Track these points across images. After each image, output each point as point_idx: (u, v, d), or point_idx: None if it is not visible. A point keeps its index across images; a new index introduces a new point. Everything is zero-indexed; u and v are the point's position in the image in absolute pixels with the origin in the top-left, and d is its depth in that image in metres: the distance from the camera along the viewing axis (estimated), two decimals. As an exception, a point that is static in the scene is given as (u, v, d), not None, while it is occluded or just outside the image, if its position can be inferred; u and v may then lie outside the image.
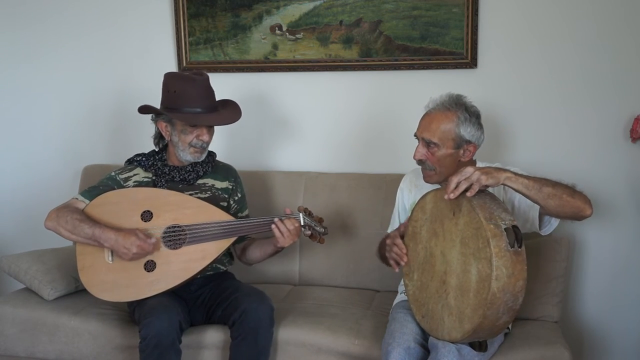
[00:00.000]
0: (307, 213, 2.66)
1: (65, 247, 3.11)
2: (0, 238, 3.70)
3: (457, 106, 2.43)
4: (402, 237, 2.40)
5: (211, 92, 2.73)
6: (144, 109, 2.76)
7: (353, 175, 3.21)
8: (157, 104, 2.74)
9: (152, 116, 2.77)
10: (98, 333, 2.72)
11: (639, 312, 3.08)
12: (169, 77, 2.73)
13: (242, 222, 2.66)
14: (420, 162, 2.48)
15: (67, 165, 3.59)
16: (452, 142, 2.41)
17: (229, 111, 2.79)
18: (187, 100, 2.65)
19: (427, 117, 2.46)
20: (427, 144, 2.43)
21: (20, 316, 2.79)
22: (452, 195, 2.09)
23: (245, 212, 2.91)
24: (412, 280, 2.36)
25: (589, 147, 3.04)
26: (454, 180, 2.10)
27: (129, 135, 3.45)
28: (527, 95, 3.07)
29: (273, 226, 2.59)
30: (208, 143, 2.74)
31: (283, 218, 2.61)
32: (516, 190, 2.14)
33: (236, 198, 2.87)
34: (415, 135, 2.49)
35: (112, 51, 3.50)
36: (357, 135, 3.29)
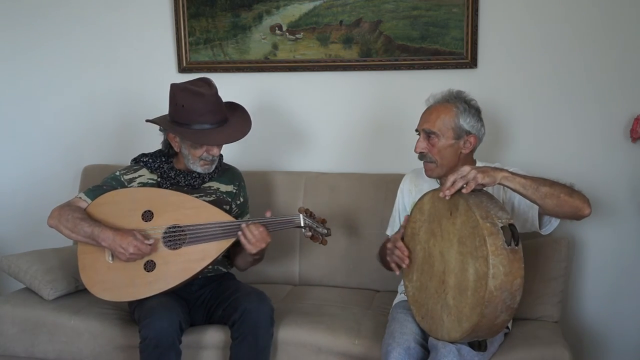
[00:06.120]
0: (308, 214, 2.64)
1: (65, 247, 3.12)
2: (0, 238, 3.71)
3: (457, 99, 2.47)
4: (402, 239, 2.41)
5: (220, 106, 2.69)
6: (152, 122, 2.74)
7: (353, 175, 3.21)
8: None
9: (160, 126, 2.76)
10: (98, 333, 2.72)
11: (639, 312, 3.07)
12: (176, 90, 2.66)
13: (241, 222, 2.64)
14: (421, 155, 2.49)
15: (67, 165, 3.60)
16: (451, 132, 2.43)
17: (239, 123, 2.75)
18: (196, 116, 2.62)
19: (427, 110, 2.50)
20: (428, 135, 2.44)
21: (20, 316, 2.80)
22: (447, 193, 2.09)
23: (246, 217, 2.89)
24: (411, 281, 2.36)
25: (589, 147, 3.04)
26: (450, 179, 2.10)
27: (129, 135, 3.45)
28: (527, 95, 3.07)
29: (239, 233, 2.54)
30: (217, 156, 2.73)
31: (251, 222, 2.56)
32: (513, 190, 2.14)
33: (238, 202, 2.86)
34: (416, 131, 2.50)
35: (112, 51, 3.50)
36: (357, 135, 3.29)
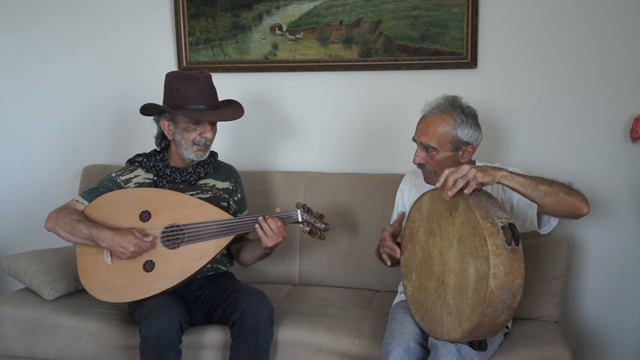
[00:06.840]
0: (306, 209, 2.65)
1: (65, 247, 3.12)
2: (0, 238, 3.71)
3: (453, 108, 2.43)
4: (394, 236, 2.42)
5: (213, 91, 2.73)
6: (146, 109, 2.75)
7: (353, 175, 3.21)
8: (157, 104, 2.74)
9: (154, 116, 2.77)
10: (98, 333, 2.72)
11: (639, 312, 3.07)
12: (170, 77, 2.72)
13: (239, 219, 2.65)
14: (420, 165, 2.49)
15: (67, 165, 3.60)
16: (450, 145, 2.42)
17: (232, 108, 2.79)
18: (189, 98, 2.64)
19: (424, 121, 2.47)
20: (426, 148, 2.43)
21: (20, 316, 2.80)
22: (449, 194, 2.09)
23: (245, 213, 2.90)
24: (410, 281, 2.36)
25: (589, 147, 3.04)
26: (451, 178, 2.09)
27: (129, 135, 3.45)
28: (527, 95, 3.07)
29: (256, 225, 2.57)
30: (211, 141, 2.73)
31: (267, 216, 2.59)
32: (512, 189, 2.14)
33: (236, 198, 2.86)
34: (413, 139, 2.49)
35: (112, 51, 3.50)
36: (357, 135, 3.29)
